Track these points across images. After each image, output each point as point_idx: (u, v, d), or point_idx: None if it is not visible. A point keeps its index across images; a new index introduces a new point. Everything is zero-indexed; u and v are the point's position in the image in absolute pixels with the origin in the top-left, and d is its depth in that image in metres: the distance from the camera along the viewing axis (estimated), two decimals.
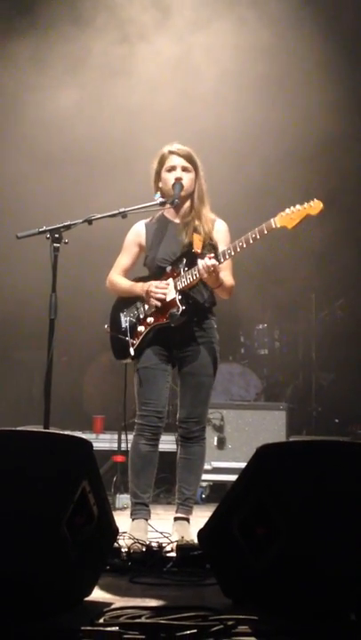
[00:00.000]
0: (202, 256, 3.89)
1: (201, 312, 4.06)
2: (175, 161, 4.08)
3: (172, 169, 4.07)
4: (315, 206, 3.76)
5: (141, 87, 6.69)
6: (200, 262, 3.84)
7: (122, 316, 4.15)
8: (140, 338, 4.05)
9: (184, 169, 4.07)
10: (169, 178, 4.07)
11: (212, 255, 3.84)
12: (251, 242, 3.77)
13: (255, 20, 6.56)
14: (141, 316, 4.09)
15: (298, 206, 3.77)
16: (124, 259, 4.24)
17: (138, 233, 4.20)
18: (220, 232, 4.10)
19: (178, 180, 4.03)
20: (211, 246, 4.00)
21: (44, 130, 6.60)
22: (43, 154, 6.61)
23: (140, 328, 4.07)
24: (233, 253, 3.85)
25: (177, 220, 4.14)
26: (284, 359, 7.75)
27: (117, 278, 4.21)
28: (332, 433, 6.95)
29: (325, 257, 7.15)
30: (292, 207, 3.77)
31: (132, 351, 4.04)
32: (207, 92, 6.66)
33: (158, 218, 4.20)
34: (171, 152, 4.11)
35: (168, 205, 4.02)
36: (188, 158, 4.08)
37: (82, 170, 6.64)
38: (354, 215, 7.11)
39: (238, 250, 3.82)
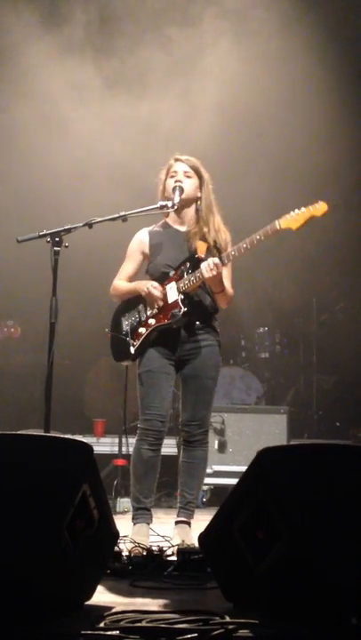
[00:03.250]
0: (205, 260, 3.90)
1: (203, 316, 4.06)
2: (178, 167, 4.11)
3: (174, 174, 4.09)
4: (319, 207, 3.79)
5: (147, 96, 6.71)
6: (203, 262, 3.86)
7: (123, 319, 4.16)
8: (141, 339, 4.05)
9: (186, 175, 4.09)
10: (170, 183, 4.09)
11: (217, 257, 3.86)
12: (255, 243, 3.80)
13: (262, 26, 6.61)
14: (143, 319, 4.09)
15: (303, 209, 3.79)
16: (128, 266, 4.23)
17: (141, 241, 4.20)
18: (227, 242, 4.10)
19: (177, 182, 4.05)
20: (215, 249, 4.01)
21: (44, 133, 6.61)
22: (44, 157, 6.62)
23: (141, 330, 4.07)
24: (237, 254, 3.86)
25: (182, 229, 4.14)
26: (285, 362, 7.75)
27: (120, 282, 4.22)
28: (333, 436, 6.95)
29: (326, 260, 7.16)
30: (296, 210, 3.79)
31: (132, 350, 4.03)
32: (212, 98, 6.68)
33: (162, 225, 4.20)
34: (176, 160, 4.14)
35: (168, 209, 4.02)
36: (192, 166, 4.11)
37: (83, 173, 6.65)
38: (356, 218, 7.12)
39: (242, 251, 3.84)
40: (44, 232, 3.87)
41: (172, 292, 4.00)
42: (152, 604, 2.82)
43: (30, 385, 7.42)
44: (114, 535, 2.97)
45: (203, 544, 2.95)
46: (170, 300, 4.00)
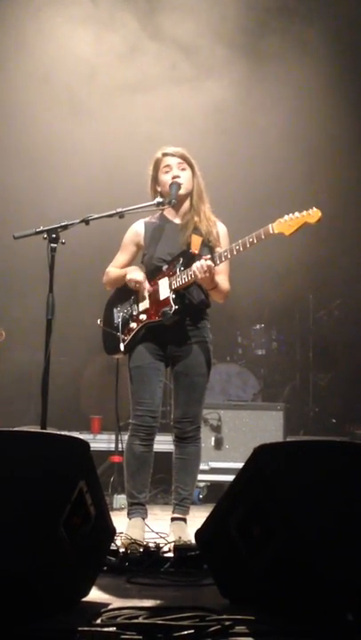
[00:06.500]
0: (199, 257, 3.90)
1: (195, 312, 4.06)
2: (170, 161, 4.09)
3: (169, 169, 4.08)
4: (313, 215, 3.72)
5: (141, 89, 6.71)
6: (196, 263, 3.85)
7: (115, 311, 4.15)
8: (132, 334, 4.05)
9: (180, 168, 4.08)
10: (166, 179, 4.07)
11: (209, 257, 3.84)
12: (248, 246, 3.77)
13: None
14: (134, 313, 4.08)
15: (296, 214, 3.74)
16: (122, 256, 4.23)
17: (136, 232, 4.20)
18: (220, 235, 4.10)
19: (175, 178, 4.04)
20: (208, 248, 4.01)
21: (41, 128, 6.61)
22: (40, 153, 6.61)
23: (133, 324, 4.06)
24: (229, 256, 3.85)
25: (177, 220, 4.14)
26: (281, 359, 7.74)
27: (113, 269, 4.21)
28: (329, 433, 6.95)
29: (323, 257, 7.15)
30: (290, 214, 3.75)
31: (122, 347, 4.04)
32: (210, 95, 6.68)
33: (158, 217, 4.19)
34: (165, 154, 4.12)
35: (166, 206, 4.03)
36: (183, 157, 4.10)
37: (80, 169, 6.65)
38: (352, 216, 7.12)
39: (235, 253, 3.82)
40: (41, 228, 3.86)
41: (164, 288, 3.99)
42: (149, 600, 2.83)
43: (26, 382, 7.41)
44: (110, 532, 2.97)
45: (199, 541, 2.95)
46: (161, 297, 3.99)
